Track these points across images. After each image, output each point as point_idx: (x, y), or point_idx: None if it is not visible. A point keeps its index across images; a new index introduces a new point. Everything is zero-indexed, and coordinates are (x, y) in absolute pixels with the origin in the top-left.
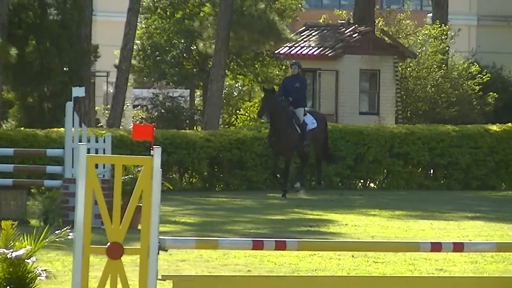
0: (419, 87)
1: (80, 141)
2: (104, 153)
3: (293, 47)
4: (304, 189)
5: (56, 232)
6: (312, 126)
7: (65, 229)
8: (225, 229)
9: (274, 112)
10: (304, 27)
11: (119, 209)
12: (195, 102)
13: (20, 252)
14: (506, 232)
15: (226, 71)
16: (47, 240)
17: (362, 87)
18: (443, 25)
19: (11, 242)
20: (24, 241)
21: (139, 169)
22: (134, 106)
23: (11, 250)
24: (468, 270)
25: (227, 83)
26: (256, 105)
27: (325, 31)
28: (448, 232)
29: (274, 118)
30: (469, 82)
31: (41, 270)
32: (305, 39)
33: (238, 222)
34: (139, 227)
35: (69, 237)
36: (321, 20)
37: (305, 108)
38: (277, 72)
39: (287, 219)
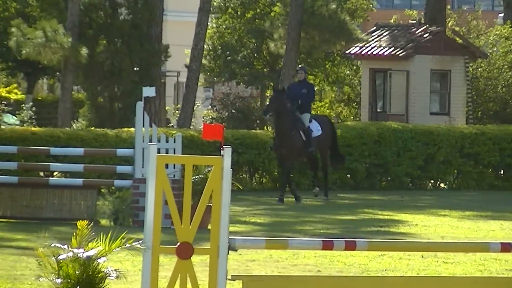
0: (490, 87)
1: (150, 141)
2: (174, 153)
3: (364, 47)
4: (323, 194)
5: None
6: (317, 133)
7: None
8: (295, 229)
9: (280, 113)
10: (375, 27)
11: (189, 209)
12: (266, 102)
13: (91, 252)
14: None
15: None
16: (119, 243)
17: (433, 87)
18: None
19: (84, 242)
20: (98, 242)
21: (209, 169)
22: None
23: (83, 251)
24: None
25: None
26: (327, 105)
27: (396, 31)
28: None
29: (279, 120)
30: None
31: (111, 270)
32: (376, 39)
33: (308, 222)
34: (209, 227)
35: (140, 247)
36: (392, 20)
37: (311, 113)
38: (347, 72)
39: (357, 219)
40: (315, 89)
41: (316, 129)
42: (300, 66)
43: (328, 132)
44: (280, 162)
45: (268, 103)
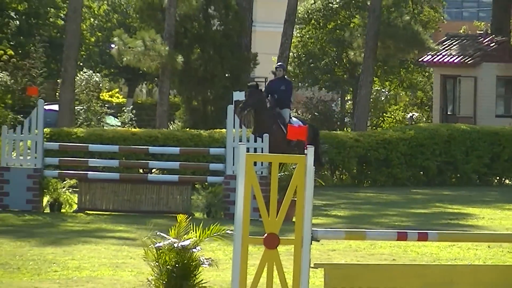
0: None
1: (240, 141)
2: (262, 152)
3: (435, 55)
4: None
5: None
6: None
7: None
8: (372, 221)
9: (258, 109)
10: (445, 37)
11: (275, 203)
12: (346, 105)
13: (186, 242)
14: None
15: (374, 77)
16: (209, 233)
17: (498, 92)
18: None
19: (182, 233)
20: (192, 233)
21: (294, 166)
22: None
23: (178, 241)
24: None
25: (375, 88)
26: (401, 108)
27: (465, 40)
28: None
29: (258, 116)
30: None
31: (205, 259)
32: (446, 48)
33: (384, 215)
34: (294, 219)
35: (228, 231)
36: (461, 31)
37: (291, 113)
38: (420, 78)
39: (429, 213)
40: (293, 85)
41: (296, 123)
42: (279, 63)
43: (309, 134)
44: None
45: (244, 100)
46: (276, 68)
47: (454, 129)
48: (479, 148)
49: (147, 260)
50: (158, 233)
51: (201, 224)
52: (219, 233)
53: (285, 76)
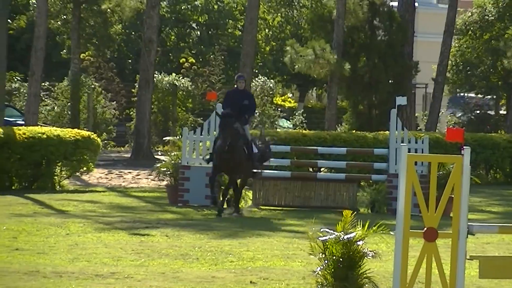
0: None
1: (402, 142)
2: (422, 152)
3: None
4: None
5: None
6: (255, 151)
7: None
8: None
9: (233, 143)
10: None
11: (434, 200)
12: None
13: (352, 235)
14: None
15: None
16: (374, 230)
17: None
18: None
19: (347, 227)
20: (358, 227)
21: (451, 166)
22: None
23: (345, 233)
24: None
25: None
26: None
27: None
28: None
29: (232, 148)
30: None
31: (369, 251)
32: None
33: None
34: (451, 214)
35: (391, 233)
36: None
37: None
38: None
39: None
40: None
41: (255, 150)
42: (239, 74)
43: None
44: (214, 175)
45: (222, 134)
46: (238, 78)
47: None
48: None
49: (313, 253)
50: (322, 229)
51: (367, 220)
52: (383, 231)
53: (246, 88)
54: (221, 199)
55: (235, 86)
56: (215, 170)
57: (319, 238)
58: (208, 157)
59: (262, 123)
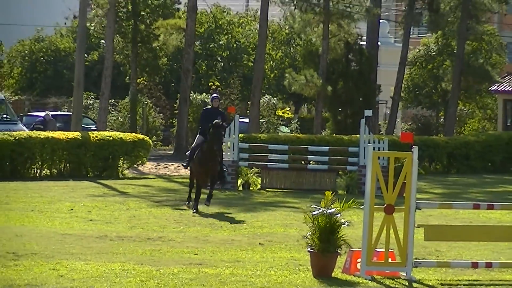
0: None
1: (369, 143)
2: (383, 150)
3: (500, 86)
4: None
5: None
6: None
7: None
8: (458, 197)
9: (218, 148)
10: (506, 74)
11: (392, 184)
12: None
13: (332, 210)
14: None
15: (458, 100)
16: (348, 205)
17: None
18: None
19: (329, 204)
20: (336, 204)
21: (404, 159)
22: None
23: (328, 209)
24: None
25: (459, 108)
26: (476, 121)
27: None
28: None
29: (215, 151)
30: None
31: (345, 221)
32: (507, 81)
33: (466, 193)
34: (404, 195)
35: (361, 207)
36: None
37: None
38: (489, 101)
39: (496, 191)
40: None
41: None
42: (214, 95)
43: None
44: (197, 179)
45: (214, 138)
46: (213, 98)
47: None
48: None
49: (306, 222)
50: (313, 206)
51: (343, 199)
52: (355, 207)
53: (219, 108)
54: (194, 199)
55: (211, 105)
56: (192, 174)
57: (311, 212)
58: (185, 164)
59: (268, 129)
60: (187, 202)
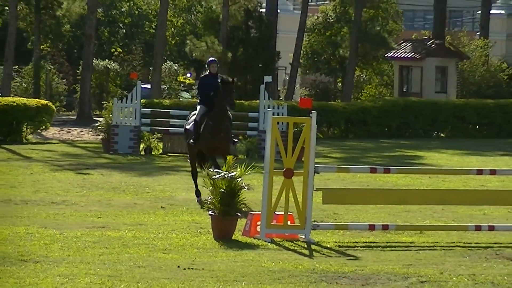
0: (470, 76)
1: (268, 108)
2: (282, 115)
3: (396, 52)
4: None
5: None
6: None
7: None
8: (356, 161)
9: (224, 107)
10: (402, 41)
11: (291, 149)
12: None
13: (233, 174)
14: None
15: (356, 67)
16: (248, 169)
17: (437, 76)
18: (485, 39)
19: (230, 168)
20: (237, 168)
21: (303, 125)
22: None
23: (229, 173)
24: (499, 186)
25: (356, 74)
26: (373, 87)
27: (415, 43)
28: (487, 163)
29: (222, 114)
30: (501, 74)
31: (245, 185)
32: (403, 48)
33: (364, 157)
34: (303, 159)
35: (262, 171)
36: (413, 37)
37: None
38: (386, 67)
39: (392, 155)
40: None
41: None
42: (211, 58)
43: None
44: (205, 155)
45: (230, 94)
46: (208, 63)
47: (407, 101)
48: (424, 112)
49: (206, 186)
50: (214, 170)
51: (243, 163)
52: (255, 171)
53: (217, 72)
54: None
55: (208, 71)
56: (194, 156)
57: (211, 177)
58: (193, 140)
59: (170, 94)
60: (197, 198)
